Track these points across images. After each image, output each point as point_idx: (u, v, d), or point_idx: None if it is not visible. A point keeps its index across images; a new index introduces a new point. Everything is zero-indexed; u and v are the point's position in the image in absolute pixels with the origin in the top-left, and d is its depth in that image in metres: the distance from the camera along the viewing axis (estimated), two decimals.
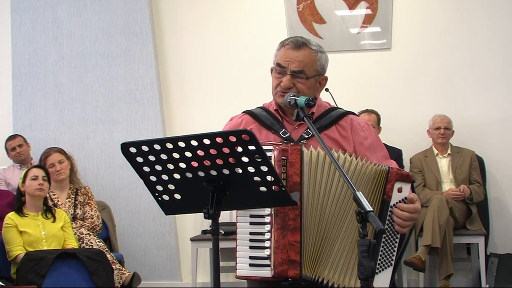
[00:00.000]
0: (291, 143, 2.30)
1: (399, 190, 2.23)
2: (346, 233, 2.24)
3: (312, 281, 2.22)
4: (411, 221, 2.24)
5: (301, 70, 2.40)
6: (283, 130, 2.43)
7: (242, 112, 2.57)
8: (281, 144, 2.27)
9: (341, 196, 2.23)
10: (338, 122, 2.48)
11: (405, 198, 2.26)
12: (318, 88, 2.49)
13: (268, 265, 2.21)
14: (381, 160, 2.41)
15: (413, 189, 2.31)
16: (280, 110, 2.49)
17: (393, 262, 2.25)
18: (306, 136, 2.40)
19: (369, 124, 2.60)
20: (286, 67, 2.41)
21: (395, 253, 2.25)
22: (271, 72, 2.51)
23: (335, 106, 2.62)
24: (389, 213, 2.24)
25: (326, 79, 2.50)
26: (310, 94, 2.42)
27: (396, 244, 2.26)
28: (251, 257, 2.23)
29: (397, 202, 2.24)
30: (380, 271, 2.23)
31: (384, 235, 2.23)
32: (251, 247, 2.23)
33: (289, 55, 2.42)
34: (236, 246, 2.26)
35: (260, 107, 2.56)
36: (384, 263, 2.24)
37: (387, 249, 2.25)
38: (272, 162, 2.20)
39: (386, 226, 2.22)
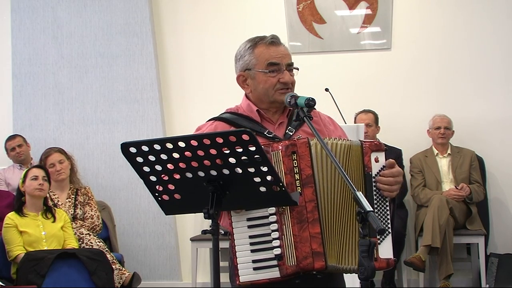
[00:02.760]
0: (296, 138, 2.30)
1: (376, 160, 2.30)
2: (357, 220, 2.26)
3: (340, 270, 2.23)
4: (397, 185, 2.30)
5: (292, 62, 2.43)
6: (267, 130, 2.40)
7: (209, 120, 2.49)
8: (279, 141, 2.28)
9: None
10: None
11: (383, 166, 2.30)
12: None
13: (276, 266, 2.18)
14: None
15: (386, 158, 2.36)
16: (261, 111, 2.46)
17: (390, 230, 2.28)
18: (291, 133, 2.40)
19: (331, 117, 2.64)
20: (280, 63, 2.41)
21: (389, 221, 2.30)
22: (238, 79, 2.52)
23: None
24: (373, 184, 2.28)
25: None
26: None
27: (389, 212, 2.31)
28: (254, 261, 2.19)
29: (378, 172, 2.29)
30: (381, 242, 2.26)
31: (376, 207, 2.27)
32: (253, 251, 2.20)
33: (277, 51, 2.42)
34: (235, 252, 2.21)
35: (227, 112, 2.51)
36: None
37: (382, 219, 2.28)
38: (280, 157, 2.20)
39: (374, 197, 2.28)
